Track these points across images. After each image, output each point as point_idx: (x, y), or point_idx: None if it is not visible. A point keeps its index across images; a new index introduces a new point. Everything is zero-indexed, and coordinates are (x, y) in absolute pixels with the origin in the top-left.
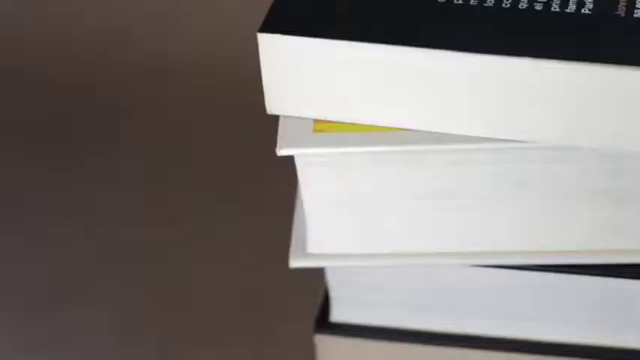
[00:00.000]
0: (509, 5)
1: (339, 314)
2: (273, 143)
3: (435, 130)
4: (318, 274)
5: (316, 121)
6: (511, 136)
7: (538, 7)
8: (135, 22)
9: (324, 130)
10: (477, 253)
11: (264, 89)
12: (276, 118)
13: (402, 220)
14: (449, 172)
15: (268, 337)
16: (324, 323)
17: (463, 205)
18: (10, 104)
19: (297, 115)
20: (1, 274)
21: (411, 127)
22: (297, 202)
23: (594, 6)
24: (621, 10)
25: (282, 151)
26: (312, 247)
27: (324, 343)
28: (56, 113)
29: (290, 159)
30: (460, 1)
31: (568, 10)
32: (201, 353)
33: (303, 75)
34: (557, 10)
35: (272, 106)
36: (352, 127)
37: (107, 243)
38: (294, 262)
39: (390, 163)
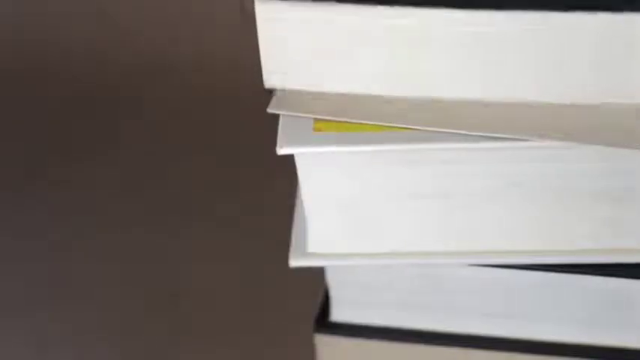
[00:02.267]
0: None
1: (339, 314)
2: (273, 143)
3: (433, 94)
4: (318, 274)
5: (316, 120)
6: (510, 97)
7: None
8: (135, 22)
9: (324, 129)
10: (477, 252)
11: (262, 63)
12: (276, 118)
13: (401, 220)
14: (449, 171)
15: (268, 337)
16: (324, 323)
17: (463, 204)
18: (10, 104)
19: (295, 87)
20: (1, 274)
21: (407, 95)
22: (297, 202)
23: None
24: None
25: (282, 150)
26: (312, 246)
27: (324, 343)
28: (56, 113)
29: (290, 158)
30: None
31: None
32: (201, 353)
33: (301, 43)
34: None
35: (269, 79)
36: (352, 126)
37: (107, 243)
38: (294, 262)
39: (389, 162)
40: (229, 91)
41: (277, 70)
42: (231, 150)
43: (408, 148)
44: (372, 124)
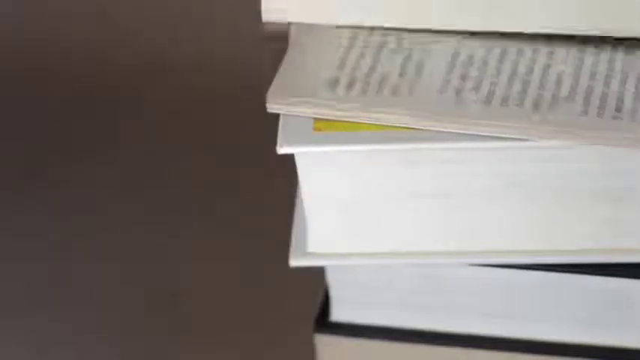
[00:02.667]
0: None
1: (339, 314)
2: (273, 143)
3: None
4: (318, 274)
5: (316, 119)
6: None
7: None
8: (135, 22)
9: (324, 128)
10: (477, 252)
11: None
12: (276, 118)
13: (401, 220)
14: (449, 171)
15: (268, 337)
16: (324, 323)
17: (463, 204)
18: (10, 104)
19: (294, 20)
20: (1, 274)
21: (412, 25)
22: (297, 202)
23: None
24: None
25: (282, 150)
26: (312, 246)
27: (324, 343)
28: (56, 113)
29: (290, 158)
30: None
31: None
32: (201, 353)
33: None
34: None
35: (269, 14)
36: (352, 125)
37: (107, 243)
38: (294, 262)
39: (389, 161)
40: (229, 91)
41: (277, 4)
42: (231, 150)
43: (408, 147)
44: (371, 124)
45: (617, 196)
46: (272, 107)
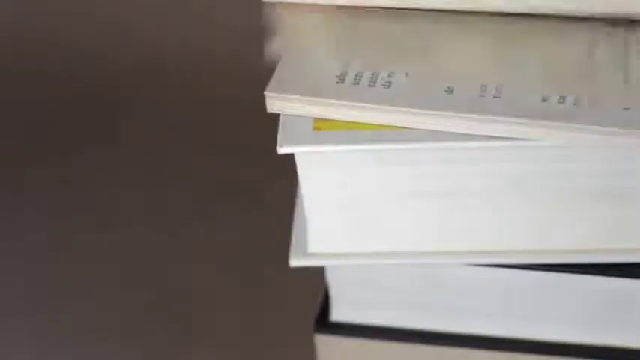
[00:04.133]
0: None
1: (339, 314)
2: (273, 143)
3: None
4: (318, 273)
5: (316, 119)
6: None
7: None
8: (135, 22)
9: (324, 128)
10: (477, 252)
11: None
12: (276, 118)
13: (401, 220)
14: (449, 171)
15: (268, 337)
16: (324, 323)
17: (463, 204)
18: (10, 104)
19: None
20: (2, 274)
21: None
22: (297, 202)
23: None
24: None
25: (282, 149)
26: (312, 246)
27: (324, 342)
28: (56, 113)
29: (290, 158)
30: None
31: None
32: (201, 353)
33: None
34: None
35: None
36: (352, 125)
37: (107, 243)
38: (295, 261)
39: (389, 161)
40: (229, 91)
41: None
42: (231, 150)
43: (408, 147)
44: (371, 124)
45: (617, 196)
46: (271, 102)
